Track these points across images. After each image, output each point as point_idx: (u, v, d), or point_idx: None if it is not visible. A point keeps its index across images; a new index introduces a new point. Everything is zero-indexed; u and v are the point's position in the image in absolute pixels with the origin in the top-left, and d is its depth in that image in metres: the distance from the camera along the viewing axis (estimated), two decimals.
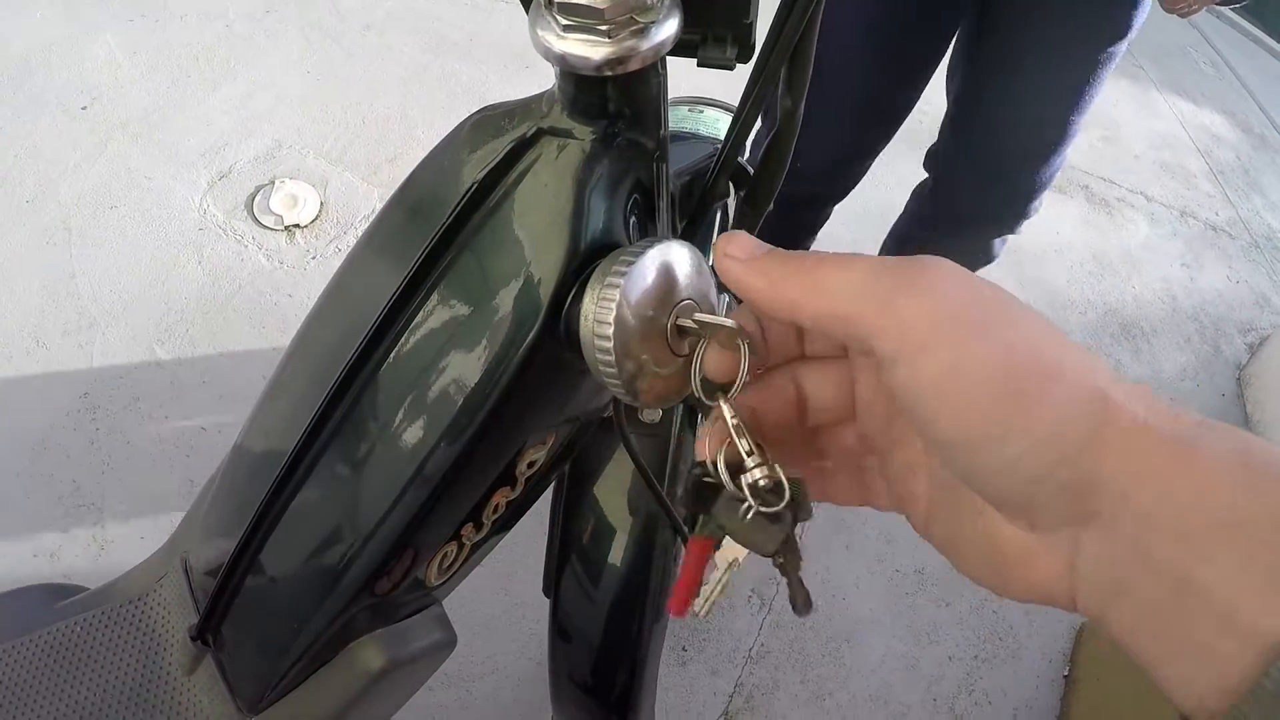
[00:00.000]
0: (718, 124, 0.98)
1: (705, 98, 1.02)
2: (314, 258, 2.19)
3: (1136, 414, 0.29)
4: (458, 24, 2.92)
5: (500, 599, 1.69)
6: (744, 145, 0.51)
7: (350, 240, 2.22)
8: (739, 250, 0.36)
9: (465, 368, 0.45)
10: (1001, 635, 1.84)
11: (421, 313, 0.46)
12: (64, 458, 1.80)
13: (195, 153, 2.36)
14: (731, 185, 0.58)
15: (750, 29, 0.51)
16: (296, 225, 2.22)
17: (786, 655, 1.75)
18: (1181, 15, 0.94)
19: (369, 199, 2.33)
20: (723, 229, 0.88)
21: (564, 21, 0.39)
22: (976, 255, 1.60)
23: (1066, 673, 1.81)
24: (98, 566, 1.67)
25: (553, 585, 0.89)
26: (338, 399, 0.48)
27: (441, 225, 0.44)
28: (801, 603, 0.34)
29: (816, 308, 0.33)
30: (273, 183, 2.31)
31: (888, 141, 1.52)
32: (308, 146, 2.43)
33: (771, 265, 0.35)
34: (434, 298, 0.46)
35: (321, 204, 2.29)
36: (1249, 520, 0.26)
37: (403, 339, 0.47)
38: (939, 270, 0.32)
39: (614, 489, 0.86)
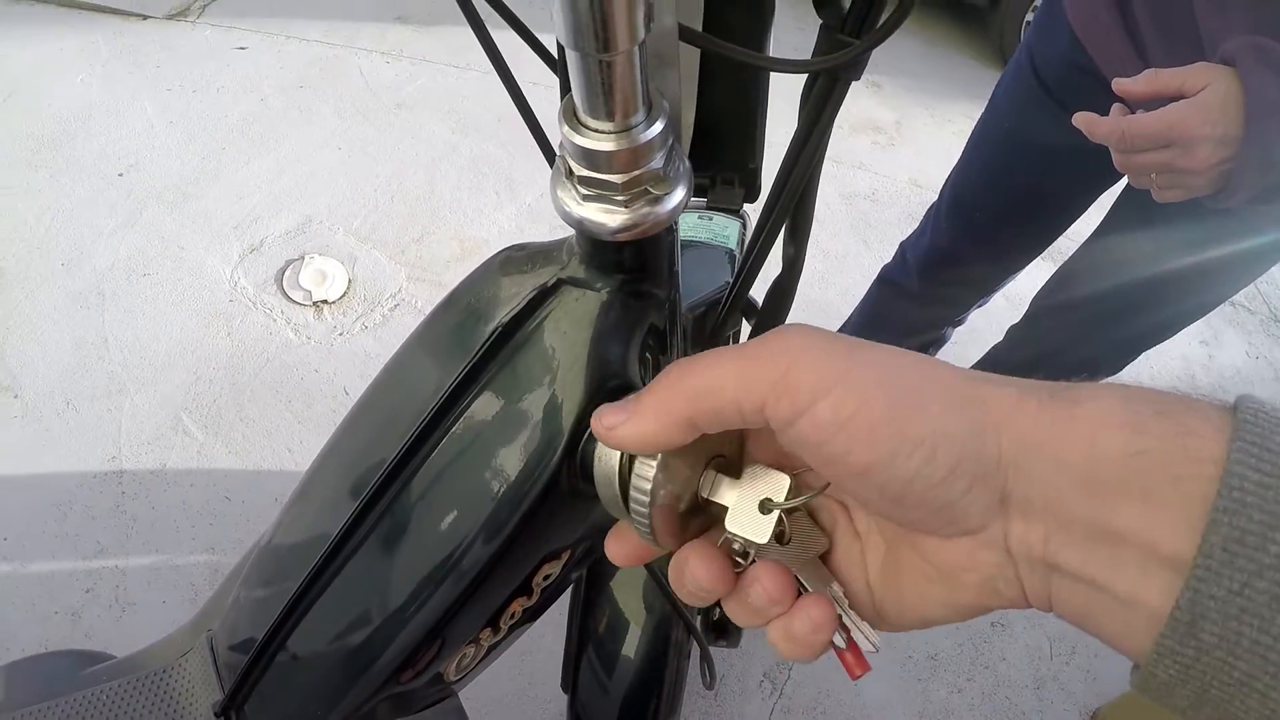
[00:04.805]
0: (726, 230, 1.02)
1: (715, 204, 1.07)
2: (340, 334, 2.23)
3: (1009, 393, 0.32)
4: (487, 104, 2.99)
5: (513, 679, 1.69)
6: (753, 284, 0.55)
7: (377, 318, 2.28)
8: (613, 416, 0.39)
9: (487, 496, 0.48)
10: None
11: (446, 441, 0.49)
12: (89, 519, 1.84)
13: (228, 225, 2.43)
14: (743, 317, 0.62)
15: (756, 173, 0.56)
16: (324, 301, 2.28)
17: None
18: (1159, 200, 0.96)
19: (395, 278, 2.38)
20: None
21: (583, 191, 0.42)
22: None
23: None
24: (119, 629, 1.70)
25: (570, 680, 0.91)
26: (372, 504, 0.51)
27: (469, 362, 0.48)
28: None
29: (708, 410, 0.36)
30: (302, 258, 2.37)
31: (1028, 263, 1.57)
32: (337, 223, 2.49)
33: (647, 403, 0.38)
34: (458, 428, 0.49)
35: (350, 281, 2.35)
36: (1141, 455, 0.29)
37: (428, 463, 0.50)
38: (789, 334, 0.35)
39: (629, 585, 0.88)
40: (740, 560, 0.40)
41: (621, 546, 0.44)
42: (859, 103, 3.26)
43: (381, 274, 2.38)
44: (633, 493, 0.39)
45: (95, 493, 1.88)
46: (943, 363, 0.35)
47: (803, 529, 0.41)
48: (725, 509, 0.40)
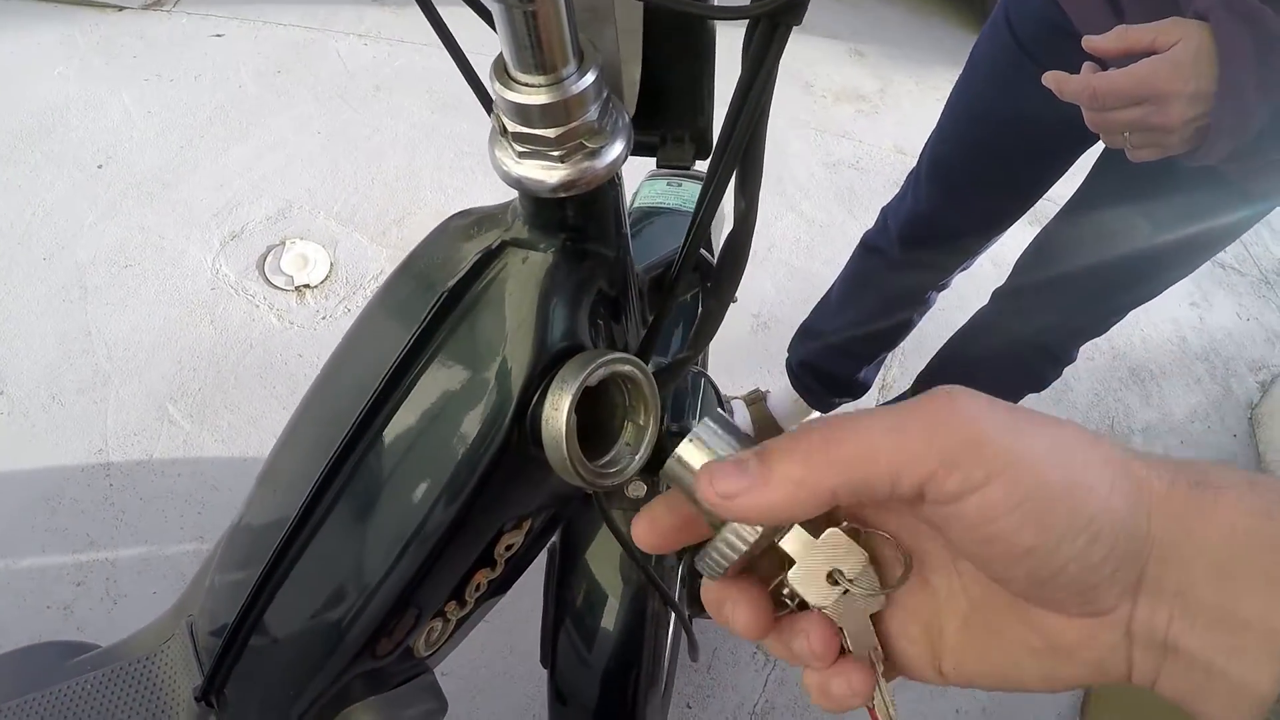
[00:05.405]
0: (695, 196, 1.01)
1: (684, 170, 1.05)
2: (324, 318, 2.23)
3: (1163, 476, 0.32)
4: (465, 83, 2.91)
5: (503, 658, 1.70)
6: (704, 240, 0.54)
7: (359, 301, 2.26)
8: (730, 482, 0.34)
9: (440, 465, 0.47)
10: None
11: (399, 411, 0.49)
12: (78, 512, 1.84)
13: (208, 213, 2.41)
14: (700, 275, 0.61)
15: (706, 129, 0.55)
16: (307, 285, 2.27)
17: (791, 710, 1.73)
18: (1133, 159, 0.94)
19: (377, 260, 2.37)
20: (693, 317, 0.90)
21: (519, 148, 0.41)
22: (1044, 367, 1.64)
23: None
24: (110, 621, 1.70)
25: (549, 655, 0.91)
26: (329, 481, 0.51)
27: (416, 330, 0.47)
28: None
29: (857, 481, 0.32)
30: (283, 243, 2.36)
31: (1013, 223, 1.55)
32: (318, 207, 2.47)
33: (779, 470, 0.33)
34: (409, 397, 0.48)
35: (331, 264, 2.34)
36: (1272, 545, 0.30)
37: (382, 436, 0.49)
38: (955, 401, 0.32)
39: (605, 557, 0.88)
40: (788, 602, 0.39)
41: (652, 531, 0.40)
42: (842, 71, 3.24)
43: (363, 256, 2.37)
44: (715, 551, 0.37)
45: (83, 486, 1.88)
46: (1098, 436, 0.33)
47: (865, 588, 0.38)
48: (791, 560, 0.37)
